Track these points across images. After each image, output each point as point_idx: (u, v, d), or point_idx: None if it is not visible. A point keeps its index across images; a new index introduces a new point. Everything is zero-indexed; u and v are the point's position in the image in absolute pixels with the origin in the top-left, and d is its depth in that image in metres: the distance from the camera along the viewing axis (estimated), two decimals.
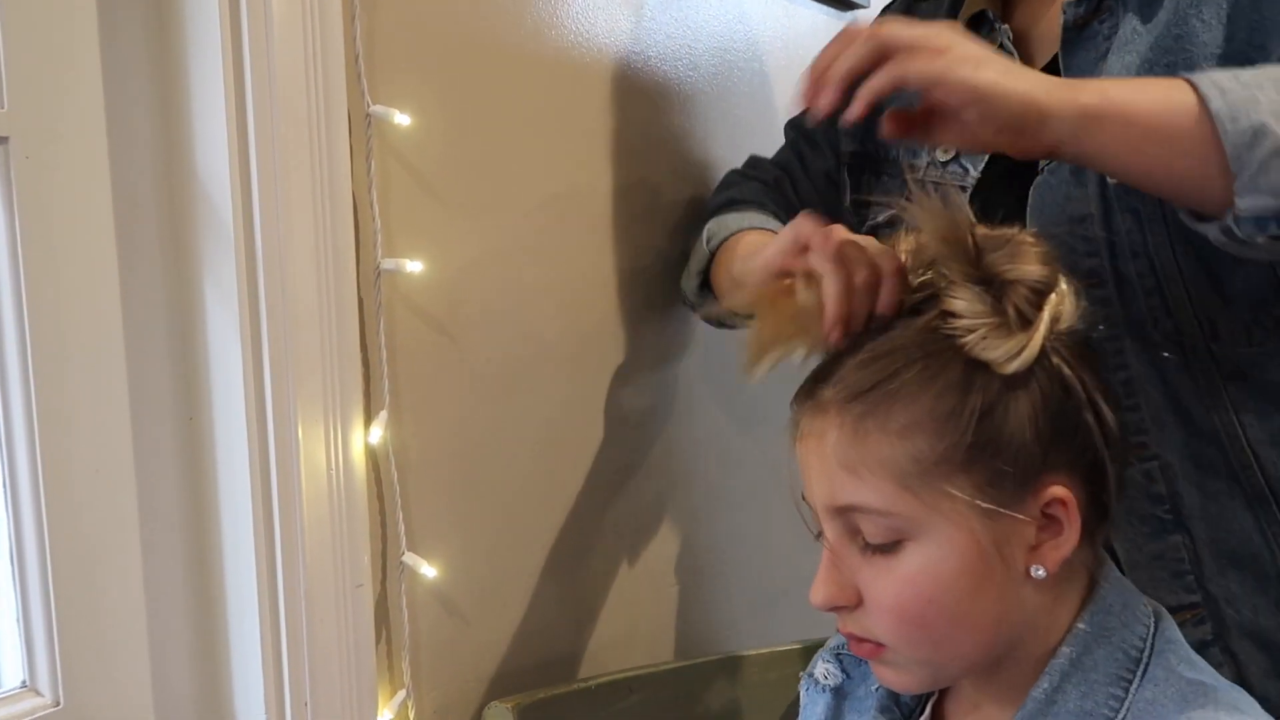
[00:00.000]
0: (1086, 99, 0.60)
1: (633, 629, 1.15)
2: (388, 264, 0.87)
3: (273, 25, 0.78)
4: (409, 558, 0.90)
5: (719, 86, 1.22)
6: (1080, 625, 0.60)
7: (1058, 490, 0.57)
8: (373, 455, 0.88)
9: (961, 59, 0.58)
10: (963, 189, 0.80)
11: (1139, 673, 0.59)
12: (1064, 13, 0.74)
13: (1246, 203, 0.57)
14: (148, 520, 0.82)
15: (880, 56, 0.59)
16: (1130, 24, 0.70)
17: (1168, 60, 0.68)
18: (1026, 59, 0.79)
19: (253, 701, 0.83)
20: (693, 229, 1.06)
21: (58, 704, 0.78)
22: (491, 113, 0.96)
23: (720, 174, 1.13)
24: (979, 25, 0.81)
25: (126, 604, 0.82)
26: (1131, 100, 0.60)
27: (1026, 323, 0.56)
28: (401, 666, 0.92)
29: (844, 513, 0.59)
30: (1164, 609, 0.63)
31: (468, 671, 0.98)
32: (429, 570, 0.90)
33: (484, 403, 0.97)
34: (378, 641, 0.89)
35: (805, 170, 1.00)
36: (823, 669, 0.75)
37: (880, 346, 0.59)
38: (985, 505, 0.56)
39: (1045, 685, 0.59)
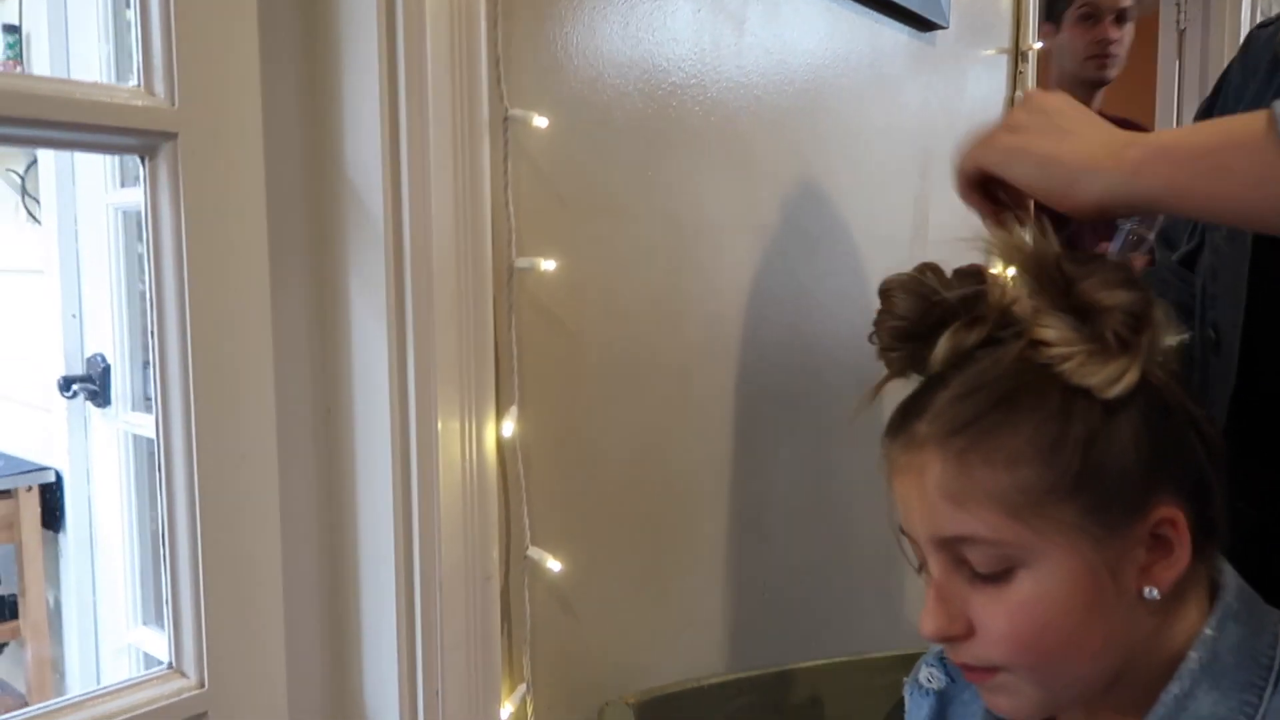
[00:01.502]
0: (1129, 149, 0.60)
1: (730, 634, 1.16)
2: (522, 263, 0.89)
3: (425, 27, 0.81)
4: (534, 552, 0.92)
5: (809, 102, 1.25)
6: (1208, 631, 0.60)
7: (1166, 511, 0.57)
8: (502, 450, 0.89)
9: (1002, 132, 0.62)
10: None
11: (1271, 679, 0.59)
12: None
13: None
14: (288, 509, 0.84)
15: None
16: None
17: None
18: None
19: (386, 689, 0.85)
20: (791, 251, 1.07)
21: (202, 686, 0.80)
22: (617, 120, 0.98)
23: (810, 191, 1.15)
24: None
25: (267, 590, 0.83)
26: (1180, 138, 0.60)
27: (1125, 346, 0.57)
28: (523, 661, 0.93)
29: (951, 544, 0.59)
30: None
31: (582, 668, 0.99)
32: (554, 564, 0.92)
33: (601, 403, 0.99)
34: (500, 635, 0.91)
35: None
36: (926, 673, 0.76)
37: (972, 380, 0.59)
38: (1095, 531, 0.56)
39: (1176, 690, 0.59)
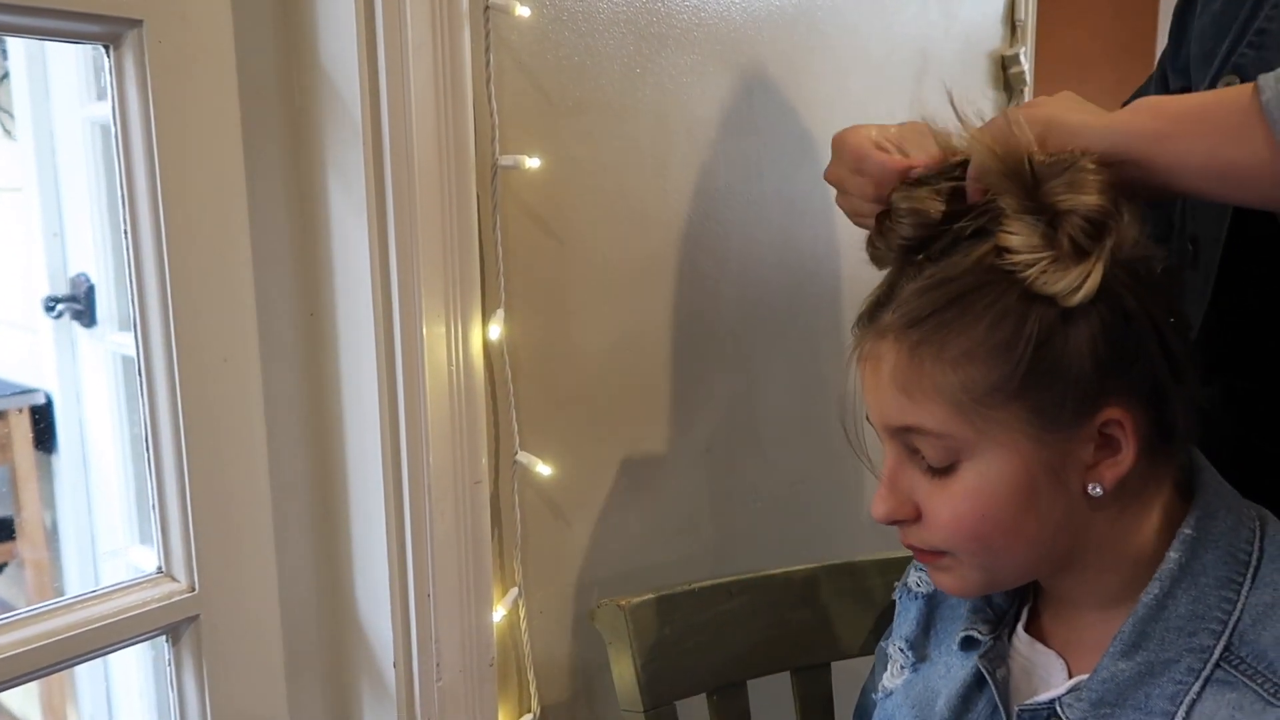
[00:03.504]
0: (1125, 110, 0.60)
1: (721, 539, 1.16)
2: (505, 160, 0.87)
3: None
4: (523, 456, 0.91)
5: (805, 1, 1.21)
6: (1185, 530, 0.61)
7: (1114, 413, 0.58)
8: (488, 352, 0.88)
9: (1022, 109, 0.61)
10: None
11: (1249, 575, 0.60)
12: None
13: None
14: (273, 414, 0.83)
15: None
16: None
17: None
18: None
19: (378, 592, 0.85)
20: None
21: (192, 589, 0.79)
22: (604, 13, 0.95)
23: (803, 94, 1.11)
24: None
25: (254, 494, 0.83)
26: (1172, 98, 0.60)
27: (1083, 254, 0.56)
28: (514, 565, 0.93)
29: (901, 433, 0.61)
30: (1269, 512, 0.63)
31: (571, 572, 0.99)
32: (544, 469, 0.91)
33: (588, 305, 0.97)
34: (491, 539, 0.90)
35: None
36: (915, 577, 0.77)
37: (939, 274, 0.59)
38: (1038, 430, 0.57)
39: (1155, 590, 0.60)
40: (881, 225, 0.65)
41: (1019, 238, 0.57)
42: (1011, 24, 1.54)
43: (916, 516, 0.63)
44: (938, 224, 0.62)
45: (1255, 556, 0.60)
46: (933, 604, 0.75)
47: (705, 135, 1.07)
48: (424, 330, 0.82)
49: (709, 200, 1.09)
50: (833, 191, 0.73)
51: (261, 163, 0.80)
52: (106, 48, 0.73)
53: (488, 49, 0.85)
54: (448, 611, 0.86)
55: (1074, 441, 0.58)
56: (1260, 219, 0.67)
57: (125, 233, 0.76)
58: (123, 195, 0.76)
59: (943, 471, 0.60)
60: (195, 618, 0.80)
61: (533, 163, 0.87)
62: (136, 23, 0.72)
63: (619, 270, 0.99)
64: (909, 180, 0.65)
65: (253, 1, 0.78)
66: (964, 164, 0.63)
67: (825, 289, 1.25)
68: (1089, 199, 0.57)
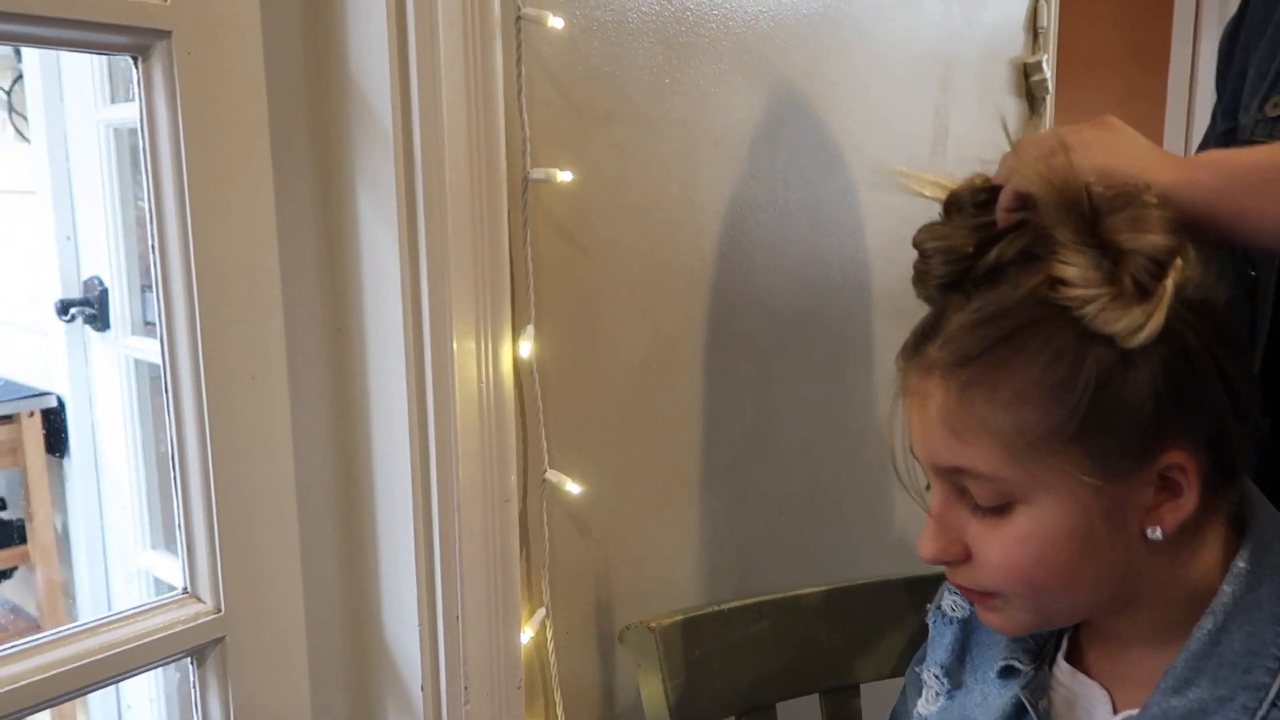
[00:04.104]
0: (1186, 160, 0.58)
1: (747, 555, 1.15)
2: (537, 174, 0.85)
3: None
4: (552, 474, 0.89)
5: (830, 8, 1.19)
6: (1239, 564, 0.59)
7: (1176, 457, 0.56)
8: (518, 370, 0.86)
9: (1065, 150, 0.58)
10: None
11: None
12: None
13: None
14: (301, 431, 0.81)
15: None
16: None
17: None
18: None
19: (405, 613, 0.83)
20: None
21: (219, 610, 0.78)
22: (633, 22, 0.93)
23: (830, 103, 1.10)
24: None
25: (281, 514, 0.81)
26: (1237, 153, 0.57)
27: (1146, 293, 0.54)
28: (542, 585, 0.91)
29: (950, 473, 0.59)
30: None
31: (598, 591, 0.98)
32: (574, 487, 0.89)
33: (617, 321, 0.96)
34: (520, 558, 0.89)
35: None
36: (950, 601, 0.75)
37: (989, 306, 0.57)
38: (1097, 475, 0.55)
39: (1209, 625, 0.58)
40: (916, 269, 0.63)
41: (1076, 270, 0.54)
42: (1034, 30, 1.52)
43: (966, 556, 0.60)
44: (971, 256, 0.60)
45: None
46: (968, 630, 0.74)
47: (732, 145, 1.06)
48: (454, 347, 0.81)
49: (736, 211, 1.07)
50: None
51: (290, 176, 0.79)
52: (135, 59, 0.72)
53: (519, 60, 0.83)
54: (476, 633, 0.85)
55: (1133, 486, 0.56)
56: None
57: (153, 247, 0.75)
58: (150, 208, 0.74)
59: (994, 511, 0.58)
60: (221, 639, 0.78)
61: (564, 176, 0.86)
62: (165, 34, 0.71)
63: (647, 283, 0.98)
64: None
65: (282, 13, 0.77)
66: (992, 189, 0.61)
67: (852, 300, 1.24)
68: (1154, 238, 0.54)
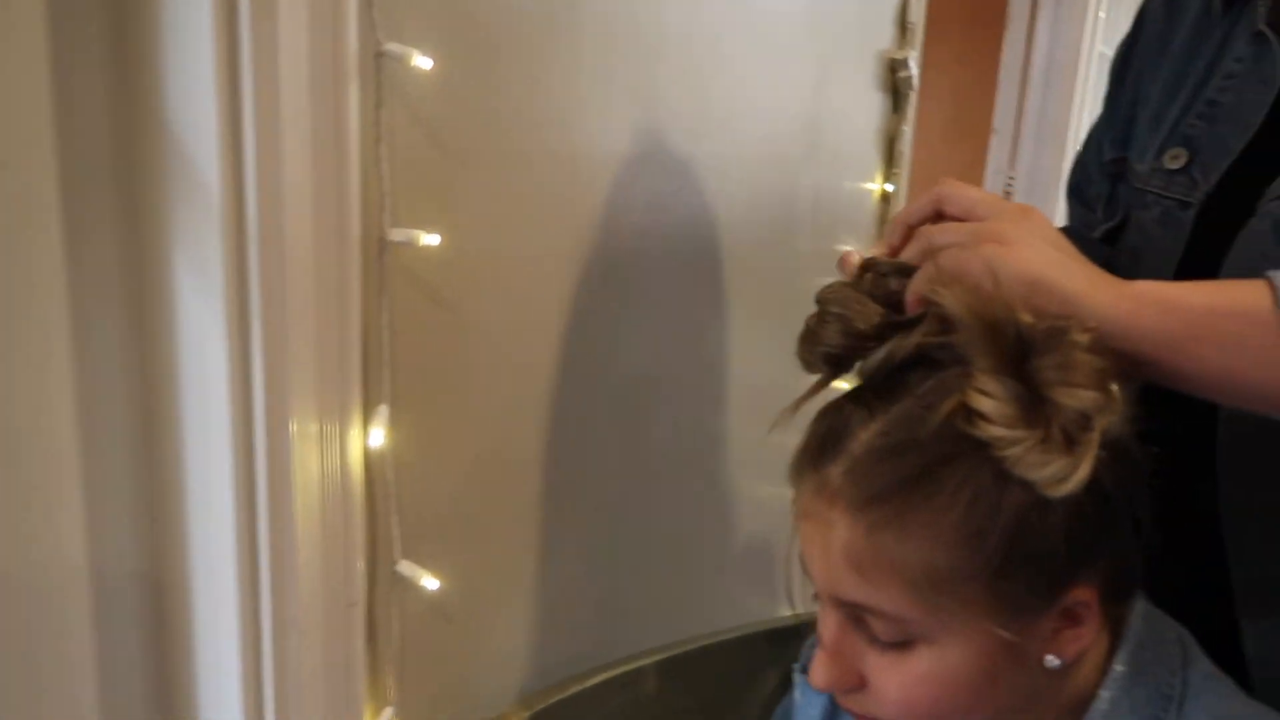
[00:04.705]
0: (1125, 289, 0.53)
1: (614, 620, 1.08)
2: (397, 235, 0.73)
3: None
4: (405, 566, 0.80)
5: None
6: (1117, 667, 0.58)
7: (1081, 594, 0.54)
8: (369, 456, 0.76)
9: (988, 242, 0.54)
10: (1184, 204, 0.71)
11: (1174, 710, 0.57)
12: None
13: None
14: (98, 544, 0.68)
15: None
16: None
17: None
18: None
19: None
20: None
21: None
22: (520, 60, 0.82)
23: (728, 135, 1.02)
24: (1239, 3, 0.71)
25: (67, 627, 0.68)
26: (1180, 292, 0.53)
27: (1071, 442, 0.50)
28: (387, 682, 0.82)
29: (849, 606, 0.56)
30: (1188, 635, 0.62)
31: (460, 682, 0.89)
32: (430, 582, 0.80)
33: (487, 394, 0.86)
34: (365, 662, 0.79)
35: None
36: None
37: (898, 431, 0.53)
38: (1004, 615, 0.53)
39: None
40: (807, 325, 0.59)
41: (994, 405, 0.50)
42: (903, 25, 1.48)
43: (861, 684, 0.57)
44: (868, 338, 0.56)
45: (1179, 690, 0.58)
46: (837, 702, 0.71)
47: (613, 177, 0.96)
48: (293, 435, 0.69)
49: (613, 275, 0.98)
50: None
51: (88, 243, 0.65)
52: None
53: (379, 104, 0.71)
54: None
55: (1038, 622, 0.54)
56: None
57: None
58: None
59: (894, 646, 0.55)
60: None
61: (430, 239, 0.75)
62: None
63: (522, 352, 0.88)
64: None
65: (78, 50, 0.62)
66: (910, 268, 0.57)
67: (728, 353, 1.17)
68: (1085, 395, 0.50)
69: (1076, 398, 0.50)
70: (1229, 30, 0.72)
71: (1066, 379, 0.50)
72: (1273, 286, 0.50)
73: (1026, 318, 0.52)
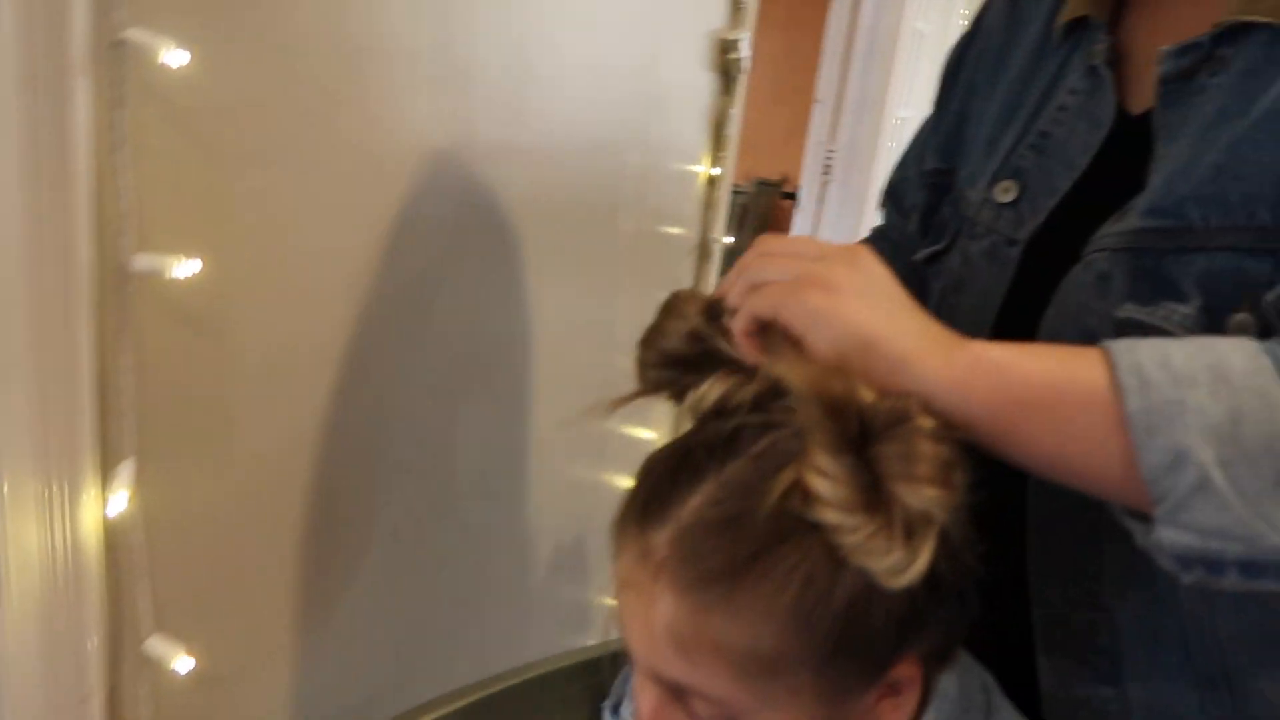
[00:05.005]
0: (959, 351, 0.50)
1: (422, 662, 1.00)
2: (141, 262, 0.60)
3: None
4: (155, 644, 0.68)
5: None
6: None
7: (905, 670, 0.53)
8: (107, 525, 0.63)
9: (814, 289, 0.50)
10: (1011, 241, 0.68)
11: None
12: (1160, 64, 0.59)
13: (1168, 536, 0.47)
14: None
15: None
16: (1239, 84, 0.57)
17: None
18: (1126, 88, 0.65)
19: None
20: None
21: None
22: (300, 45, 0.69)
23: (548, 121, 0.93)
24: (1080, 31, 0.68)
25: None
26: (1016, 360, 0.50)
27: (910, 534, 0.48)
28: None
29: (670, 684, 0.52)
30: (990, 679, 0.61)
31: None
32: (184, 663, 0.69)
33: (261, 433, 0.74)
34: None
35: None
36: (632, 709, 0.69)
37: (730, 504, 0.50)
38: (828, 694, 0.52)
39: None
40: (650, 327, 0.57)
41: (831, 486, 0.46)
42: (736, 4, 1.42)
43: None
44: (701, 355, 0.55)
45: None
46: None
47: (417, 171, 0.85)
48: (3, 505, 0.56)
49: (417, 251, 0.87)
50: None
51: None
52: None
53: (117, 104, 0.57)
54: None
55: (862, 698, 0.53)
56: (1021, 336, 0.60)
57: None
58: None
59: None
60: None
61: (187, 266, 0.62)
62: None
63: (291, 380, 0.76)
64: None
65: None
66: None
67: (532, 361, 1.09)
68: (928, 493, 0.47)
69: (920, 496, 0.46)
70: (1066, 58, 0.69)
71: (910, 472, 0.47)
72: (1109, 362, 0.47)
73: (867, 395, 0.48)
